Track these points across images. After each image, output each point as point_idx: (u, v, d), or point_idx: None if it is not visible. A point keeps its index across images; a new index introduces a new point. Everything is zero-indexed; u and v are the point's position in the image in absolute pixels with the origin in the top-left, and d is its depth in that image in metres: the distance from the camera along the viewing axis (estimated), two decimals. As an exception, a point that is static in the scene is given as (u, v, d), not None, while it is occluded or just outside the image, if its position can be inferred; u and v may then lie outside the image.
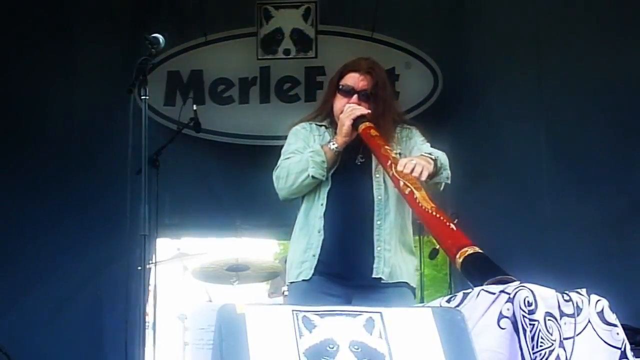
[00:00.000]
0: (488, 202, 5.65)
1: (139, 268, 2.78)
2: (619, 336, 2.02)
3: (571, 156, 5.65)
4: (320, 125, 3.19)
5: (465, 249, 2.36)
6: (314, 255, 2.99)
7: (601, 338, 2.01)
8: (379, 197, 3.04)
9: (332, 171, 3.03)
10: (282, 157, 3.10)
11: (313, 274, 2.98)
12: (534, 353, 1.88)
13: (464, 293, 2.08)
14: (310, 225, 3.04)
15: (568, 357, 1.91)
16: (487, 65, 5.99)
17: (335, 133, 3.08)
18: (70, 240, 5.58)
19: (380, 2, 5.92)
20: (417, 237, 5.28)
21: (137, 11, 6.15)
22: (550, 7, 5.92)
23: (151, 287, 4.68)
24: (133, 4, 6.22)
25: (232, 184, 5.91)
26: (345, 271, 2.98)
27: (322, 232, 3.00)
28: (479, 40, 6.06)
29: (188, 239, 6.38)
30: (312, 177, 2.98)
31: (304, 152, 3.06)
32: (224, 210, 5.67)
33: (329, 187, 3.03)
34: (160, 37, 2.87)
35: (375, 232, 3.00)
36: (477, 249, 2.35)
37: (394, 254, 3.01)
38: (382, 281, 2.95)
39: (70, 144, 5.84)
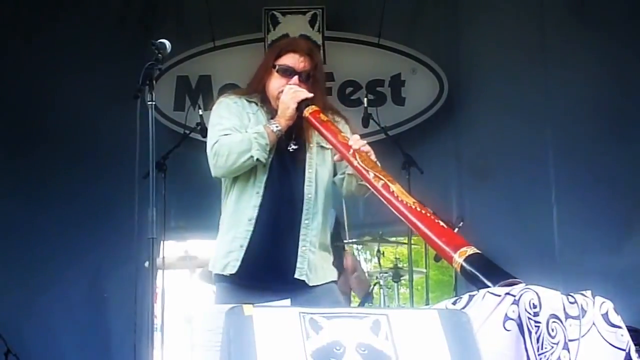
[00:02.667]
0: (493, 204, 5.67)
1: (147, 271, 2.80)
2: (624, 338, 2.01)
3: (577, 157, 5.65)
4: (251, 102, 3.02)
5: (465, 248, 2.27)
6: (241, 246, 2.88)
7: (605, 340, 2.00)
8: (309, 195, 2.92)
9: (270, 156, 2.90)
10: (218, 132, 2.92)
11: (239, 268, 2.86)
12: (539, 355, 1.88)
13: (469, 295, 2.08)
14: (241, 212, 2.91)
15: (573, 359, 1.91)
16: (492, 70, 6.01)
17: (267, 112, 2.96)
18: (79, 243, 5.61)
19: (387, 9, 5.95)
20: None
21: (146, 17, 6.19)
22: (554, 10, 5.94)
23: (158, 290, 4.70)
24: (142, 10, 6.26)
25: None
26: (269, 267, 2.87)
27: (252, 221, 2.88)
28: (484, 45, 6.08)
29: (195, 242, 6.40)
30: (256, 159, 2.84)
31: (241, 130, 2.91)
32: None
33: (266, 175, 2.91)
34: (167, 43, 2.88)
35: (302, 232, 2.90)
36: (476, 249, 2.28)
37: (317, 256, 2.92)
38: (306, 283, 2.87)
39: (79, 149, 5.87)
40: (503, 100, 5.94)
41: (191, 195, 5.75)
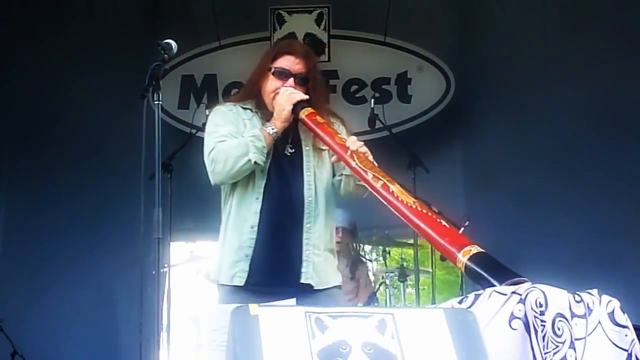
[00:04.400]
0: (499, 205, 5.65)
1: (153, 272, 2.81)
2: (628, 338, 2.00)
3: (582, 159, 5.64)
4: (245, 108, 3.01)
5: (469, 248, 2.27)
6: (246, 255, 2.87)
7: (609, 339, 1.99)
8: (310, 198, 2.92)
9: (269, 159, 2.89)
10: (214, 139, 2.91)
11: (247, 279, 2.86)
12: (545, 353, 1.88)
13: (475, 294, 2.07)
14: (242, 219, 2.90)
15: (579, 358, 1.91)
16: (498, 68, 6.00)
17: (263, 117, 2.94)
18: (85, 244, 5.61)
19: (392, 7, 5.94)
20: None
21: (152, 16, 6.20)
22: (560, 10, 5.93)
23: (165, 290, 4.71)
24: (147, 9, 6.27)
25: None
26: (276, 274, 2.87)
27: (255, 228, 2.87)
28: (490, 43, 6.07)
29: (201, 243, 6.42)
30: (254, 162, 2.82)
31: (237, 136, 2.90)
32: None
33: (264, 180, 2.90)
34: (173, 43, 2.88)
35: (305, 236, 2.89)
36: (480, 248, 2.27)
37: (322, 258, 2.92)
38: (313, 287, 2.87)
39: (85, 150, 5.88)
40: (510, 98, 5.93)
41: (197, 196, 5.72)
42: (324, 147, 2.96)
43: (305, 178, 2.94)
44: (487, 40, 6.10)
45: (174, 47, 2.88)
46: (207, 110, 5.36)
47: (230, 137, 2.90)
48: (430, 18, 6.28)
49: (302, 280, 2.87)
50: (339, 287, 3.01)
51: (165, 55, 2.86)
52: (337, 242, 5.23)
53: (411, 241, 5.41)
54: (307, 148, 2.99)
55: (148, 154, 2.84)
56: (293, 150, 2.97)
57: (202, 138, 5.45)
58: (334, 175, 3.02)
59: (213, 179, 2.93)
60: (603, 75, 5.70)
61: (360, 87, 6.10)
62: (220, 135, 2.92)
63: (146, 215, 2.80)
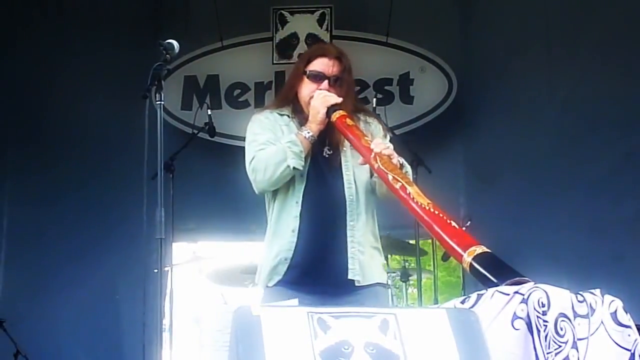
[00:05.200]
0: (502, 204, 5.66)
1: (155, 271, 2.81)
2: (631, 338, 2.00)
3: (584, 157, 5.64)
4: (282, 115, 3.06)
5: (474, 248, 2.30)
6: (286, 259, 2.92)
7: (612, 339, 1.99)
8: (351, 197, 2.95)
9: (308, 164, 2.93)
10: (253, 149, 2.97)
11: (285, 278, 2.91)
12: (547, 353, 1.88)
13: (477, 294, 2.07)
14: (284, 224, 2.95)
15: (581, 358, 1.91)
16: (500, 69, 5.99)
17: (300, 123, 2.98)
18: (88, 244, 5.62)
19: (394, 7, 5.94)
20: (429, 240, 5.29)
21: (154, 17, 6.20)
22: (562, 11, 5.92)
23: (168, 290, 4.71)
24: (150, 10, 6.27)
25: (247, 188, 5.92)
26: (319, 273, 2.90)
27: (296, 232, 2.91)
28: (492, 44, 6.07)
29: (203, 243, 6.42)
30: (293, 168, 2.87)
31: (275, 143, 2.94)
32: (239, 214, 5.69)
33: (304, 184, 2.93)
34: (175, 43, 2.89)
35: (349, 234, 2.92)
36: (485, 248, 2.30)
37: (367, 256, 2.95)
38: (357, 284, 2.90)
39: (88, 150, 5.89)
40: (511, 99, 5.93)
41: (199, 196, 5.76)
42: None
43: (345, 177, 2.97)
44: (489, 41, 6.10)
45: (176, 47, 2.89)
46: (208, 111, 5.39)
47: (269, 145, 2.94)
48: (432, 19, 6.27)
49: (350, 277, 2.89)
50: (383, 285, 3.03)
51: (168, 56, 2.87)
52: None
53: (412, 241, 5.41)
54: (345, 149, 3.02)
55: (150, 154, 2.85)
56: (331, 152, 3.01)
57: (204, 139, 5.52)
58: (371, 177, 3.04)
59: (256, 188, 2.98)
60: (604, 75, 5.70)
61: (363, 88, 6.09)
62: (259, 144, 2.96)
63: (148, 215, 2.81)
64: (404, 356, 1.83)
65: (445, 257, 5.22)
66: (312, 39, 6.11)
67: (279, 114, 3.06)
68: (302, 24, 6.15)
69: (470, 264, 2.28)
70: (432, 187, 4.77)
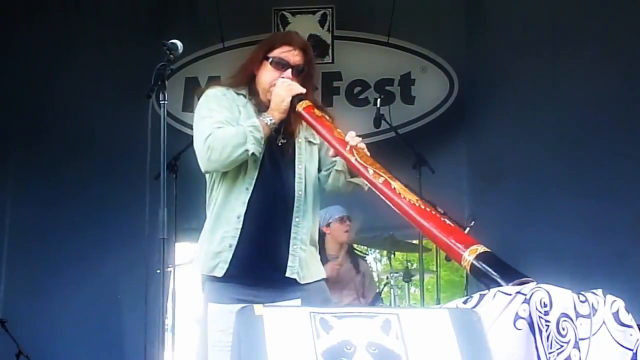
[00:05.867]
0: (504, 204, 5.66)
1: (158, 271, 2.81)
2: (633, 337, 1.99)
3: (587, 157, 5.64)
4: (239, 94, 2.94)
5: (475, 246, 2.23)
6: (230, 246, 2.81)
7: (614, 339, 1.99)
8: (299, 192, 2.88)
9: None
10: (210, 125, 2.82)
11: (228, 269, 2.81)
12: (549, 353, 1.88)
13: (480, 294, 2.07)
14: (230, 209, 2.85)
15: (583, 358, 1.91)
16: (504, 70, 6.00)
17: (256, 106, 2.89)
18: (90, 244, 5.63)
19: (396, 8, 5.94)
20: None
21: (156, 18, 6.21)
22: (566, 10, 5.92)
23: (170, 291, 4.71)
24: (152, 11, 6.28)
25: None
26: (260, 267, 2.83)
27: (241, 218, 2.81)
28: (494, 44, 6.07)
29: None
30: (252, 153, 2.77)
31: (232, 122, 2.83)
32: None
33: (256, 171, 2.84)
34: (178, 43, 2.90)
35: (293, 230, 2.85)
36: (486, 248, 2.25)
37: (307, 253, 2.89)
38: (297, 282, 2.84)
39: (90, 150, 5.90)
40: (514, 98, 5.93)
41: (202, 196, 5.74)
42: (314, 141, 2.95)
43: (297, 171, 2.91)
44: (490, 40, 6.10)
45: (179, 47, 2.89)
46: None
47: (227, 124, 2.83)
48: (433, 19, 6.28)
49: (288, 275, 2.83)
50: (325, 279, 2.98)
51: (171, 56, 2.88)
52: (346, 232, 5.28)
53: (416, 242, 5.41)
54: (300, 140, 2.95)
55: (153, 154, 2.85)
56: (285, 140, 2.93)
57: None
58: (319, 170, 2.99)
59: (207, 166, 2.85)
60: (609, 76, 5.70)
61: (364, 89, 6.10)
62: (216, 122, 2.83)
63: (151, 215, 2.81)
64: (406, 356, 1.83)
65: (448, 257, 5.22)
66: (313, 39, 6.11)
67: (235, 92, 2.95)
68: (304, 25, 6.16)
69: (472, 263, 2.23)
70: (435, 187, 4.80)
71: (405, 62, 6.10)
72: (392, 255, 5.94)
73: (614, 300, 2.05)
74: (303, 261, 2.87)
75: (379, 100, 5.34)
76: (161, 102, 2.86)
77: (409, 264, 5.79)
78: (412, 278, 5.42)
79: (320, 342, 1.81)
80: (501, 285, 2.10)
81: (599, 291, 2.06)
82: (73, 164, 5.84)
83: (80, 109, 5.91)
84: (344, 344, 1.82)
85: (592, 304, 2.00)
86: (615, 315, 2.02)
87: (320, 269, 2.99)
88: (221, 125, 2.82)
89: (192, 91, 6.10)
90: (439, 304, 5.04)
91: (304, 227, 2.88)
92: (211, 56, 6.17)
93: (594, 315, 1.99)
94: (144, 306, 2.93)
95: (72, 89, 5.91)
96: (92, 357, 5.52)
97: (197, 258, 2.95)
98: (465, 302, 2.10)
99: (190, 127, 5.74)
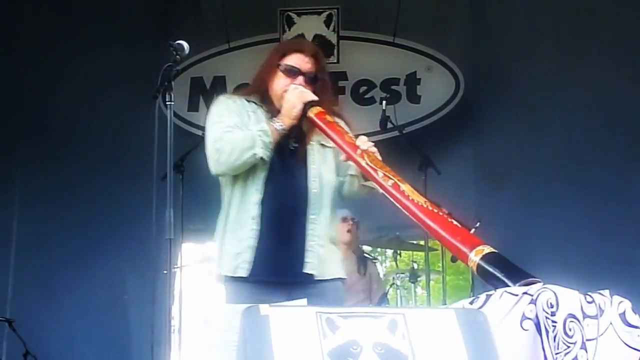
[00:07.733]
0: (510, 205, 5.65)
1: (165, 272, 2.82)
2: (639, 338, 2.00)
3: (594, 159, 5.63)
4: (250, 101, 2.99)
5: (481, 247, 2.25)
6: (249, 247, 2.85)
7: (621, 339, 1.98)
8: (315, 190, 2.90)
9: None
10: (219, 129, 2.88)
11: (251, 269, 2.84)
12: (556, 354, 1.87)
13: (486, 295, 2.06)
14: (244, 210, 2.89)
15: (590, 358, 1.91)
16: (510, 70, 5.99)
17: (267, 112, 2.93)
18: (97, 245, 5.64)
19: (402, 7, 5.94)
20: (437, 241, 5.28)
21: (162, 19, 6.22)
22: (571, 11, 5.91)
23: (177, 291, 4.72)
24: (157, 11, 6.29)
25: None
26: (278, 264, 2.85)
27: (256, 219, 2.86)
28: (500, 43, 6.06)
29: (213, 244, 6.42)
30: (260, 157, 2.81)
31: (242, 127, 2.88)
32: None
33: (265, 173, 2.88)
34: (185, 44, 2.90)
35: (310, 227, 2.87)
36: (492, 248, 2.26)
37: (326, 250, 2.91)
38: (315, 278, 2.86)
39: (97, 150, 5.91)
40: (520, 99, 5.92)
41: (209, 197, 5.74)
42: (328, 145, 2.96)
43: (311, 170, 2.93)
44: (496, 40, 6.10)
45: (185, 48, 2.90)
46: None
47: (236, 128, 2.88)
48: (439, 18, 6.28)
49: (305, 270, 2.85)
50: (342, 280, 2.99)
51: (177, 56, 2.88)
52: (348, 231, 5.27)
53: (422, 242, 5.40)
54: (312, 143, 2.98)
55: (160, 155, 2.85)
56: (297, 145, 2.96)
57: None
58: (337, 174, 3.01)
59: (216, 169, 2.90)
60: (615, 77, 5.69)
61: (370, 88, 6.10)
62: (226, 126, 2.88)
63: (158, 216, 2.82)
64: (413, 356, 1.83)
65: (454, 258, 5.21)
66: (319, 39, 6.12)
67: (246, 99, 3.00)
68: (309, 25, 6.17)
69: (478, 263, 2.23)
70: (441, 188, 4.79)
71: (410, 62, 6.10)
72: (398, 256, 5.94)
73: (621, 301, 2.04)
74: (322, 257, 2.89)
75: (384, 102, 5.34)
76: (168, 103, 2.87)
77: (415, 264, 5.77)
78: (418, 279, 5.42)
79: (326, 342, 1.81)
80: (508, 286, 2.10)
81: (606, 292, 2.06)
82: (80, 166, 5.85)
83: (86, 110, 5.92)
84: (350, 344, 1.82)
85: (599, 305, 2.00)
86: (622, 316, 2.02)
87: (339, 268, 3.00)
88: (230, 129, 2.87)
89: (198, 91, 6.14)
90: (445, 304, 5.04)
91: (321, 223, 2.90)
92: (217, 56, 6.18)
93: (600, 316, 1.98)
94: (150, 307, 2.94)
95: (78, 90, 5.92)
96: (98, 357, 5.53)
97: (217, 259, 2.99)
98: (471, 303, 2.10)
99: (196, 126, 5.82)
